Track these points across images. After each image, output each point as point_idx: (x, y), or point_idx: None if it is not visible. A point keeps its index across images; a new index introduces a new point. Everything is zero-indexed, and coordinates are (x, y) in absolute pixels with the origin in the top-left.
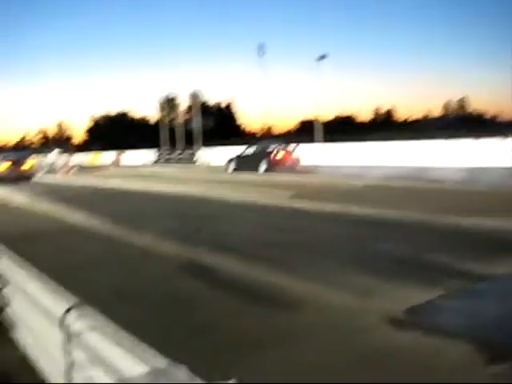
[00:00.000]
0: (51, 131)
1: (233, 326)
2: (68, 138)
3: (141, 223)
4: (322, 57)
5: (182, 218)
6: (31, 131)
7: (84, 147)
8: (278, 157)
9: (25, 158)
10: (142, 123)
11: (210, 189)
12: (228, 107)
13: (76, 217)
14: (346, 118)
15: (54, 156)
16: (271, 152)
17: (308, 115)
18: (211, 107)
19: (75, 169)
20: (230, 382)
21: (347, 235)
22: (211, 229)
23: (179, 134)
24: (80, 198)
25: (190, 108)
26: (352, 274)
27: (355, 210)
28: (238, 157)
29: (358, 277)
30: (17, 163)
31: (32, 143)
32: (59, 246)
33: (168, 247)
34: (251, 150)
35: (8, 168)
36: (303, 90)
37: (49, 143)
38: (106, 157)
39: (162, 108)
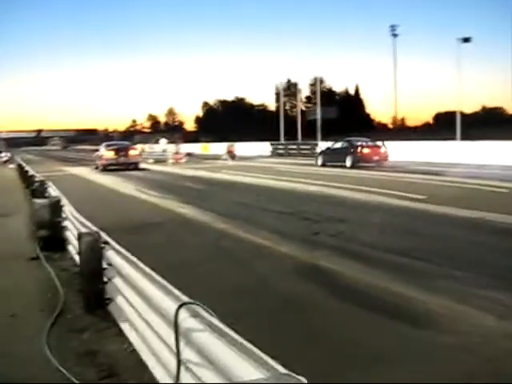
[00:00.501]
0: (162, 117)
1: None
2: (179, 125)
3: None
4: (466, 40)
5: (305, 219)
6: (141, 116)
7: (192, 137)
8: (365, 151)
9: (129, 145)
10: (259, 111)
11: (326, 186)
12: (356, 94)
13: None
14: (493, 110)
15: (164, 144)
16: (357, 146)
17: (447, 105)
18: (336, 94)
19: (186, 158)
20: None
21: (491, 245)
22: (336, 230)
23: (299, 123)
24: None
25: (311, 95)
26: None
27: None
28: (327, 149)
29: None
30: (122, 151)
31: (143, 128)
32: (170, 239)
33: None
34: (339, 144)
35: (114, 155)
36: (441, 76)
37: (159, 129)
38: (216, 148)
39: (280, 95)
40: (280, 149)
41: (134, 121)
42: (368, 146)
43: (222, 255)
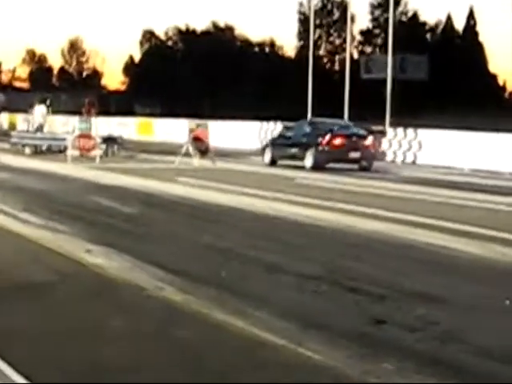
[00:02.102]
0: (55, 58)
1: None
2: (91, 77)
3: None
4: None
5: None
6: (9, 55)
7: (118, 103)
8: (336, 142)
9: None
10: (262, 55)
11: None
12: (470, 29)
13: None
14: None
15: (41, 115)
16: (324, 134)
17: None
18: (425, 30)
19: (102, 147)
20: None
21: None
22: (423, 318)
23: (347, 86)
24: None
25: (372, 28)
26: None
27: None
28: (279, 137)
29: None
30: None
31: (14, 78)
32: (73, 324)
33: None
34: (297, 129)
35: None
36: None
37: (47, 84)
38: (168, 128)
39: (310, 25)
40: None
41: None
42: (342, 136)
43: None
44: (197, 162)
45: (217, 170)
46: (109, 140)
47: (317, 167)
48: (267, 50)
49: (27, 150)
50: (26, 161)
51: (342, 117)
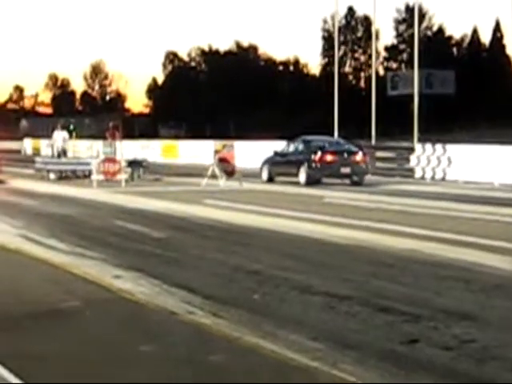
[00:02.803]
0: (77, 82)
1: None
2: (115, 101)
3: None
4: None
5: None
6: (35, 81)
7: (142, 126)
8: (328, 159)
9: None
10: (286, 74)
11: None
12: (497, 42)
13: None
14: None
15: (61, 140)
16: (316, 151)
17: None
18: (451, 44)
19: (128, 171)
20: None
21: None
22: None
23: (373, 103)
24: None
25: (397, 43)
26: None
27: None
28: (276, 155)
29: None
30: None
31: (38, 104)
32: (101, 353)
33: None
34: (292, 146)
35: None
36: None
37: (71, 109)
38: (193, 150)
39: (335, 42)
40: None
41: (20, 88)
42: (332, 152)
43: None
44: (223, 183)
45: (244, 191)
46: (134, 163)
47: (310, 183)
48: (291, 68)
49: (52, 176)
50: (51, 186)
51: (370, 134)
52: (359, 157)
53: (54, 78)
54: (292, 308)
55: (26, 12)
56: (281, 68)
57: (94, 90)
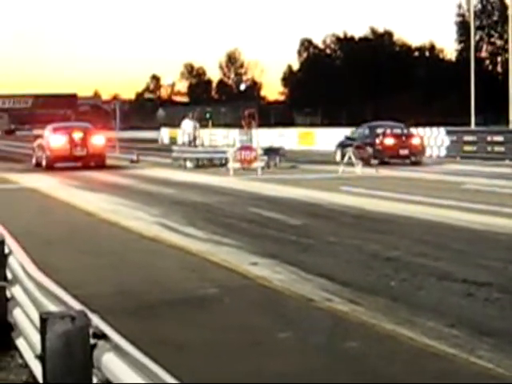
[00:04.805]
0: (212, 71)
1: None
2: (250, 89)
3: None
4: None
5: None
6: (171, 70)
7: (277, 114)
8: (388, 142)
9: (89, 128)
10: (422, 59)
11: None
12: None
13: None
14: None
15: (190, 127)
16: (377, 135)
17: None
18: None
19: (265, 159)
20: None
21: None
22: None
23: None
24: None
25: None
26: None
27: None
28: (346, 139)
29: None
30: (78, 137)
31: (174, 93)
32: (240, 338)
33: None
34: (358, 131)
35: (66, 145)
36: None
37: (206, 97)
38: (329, 138)
39: (470, 25)
40: (468, 143)
41: (156, 78)
42: (393, 135)
43: None
44: (360, 170)
45: (380, 177)
46: (270, 151)
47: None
48: (427, 53)
49: (189, 164)
50: (188, 175)
51: (507, 120)
52: (416, 140)
53: (189, 67)
54: (429, 295)
55: (162, 2)
56: (416, 54)
57: (229, 78)
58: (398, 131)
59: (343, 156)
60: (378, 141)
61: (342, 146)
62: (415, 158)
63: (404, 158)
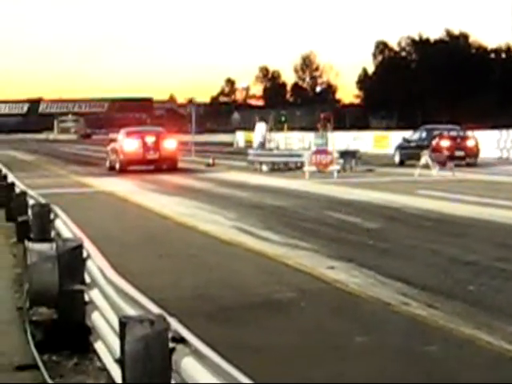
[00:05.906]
0: (287, 73)
1: None
2: (325, 92)
3: None
4: None
5: None
6: (246, 73)
7: (352, 117)
8: (444, 144)
9: (161, 132)
10: (501, 61)
11: None
12: None
13: None
14: None
15: (263, 130)
16: (433, 137)
17: None
18: None
19: (340, 162)
20: None
21: None
22: None
23: None
24: None
25: None
26: None
27: None
28: (405, 141)
29: None
30: (151, 141)
31: (249, 97)
32: (312, 342)
33: None
34: (417, 134)
35: (139, 149)
36: None
37: (280, 100)
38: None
39: None
40: None
41: (231, 81)
42: (449, 138)
43: None
44: (436, 173)
45: (457, 180)
46: (346, 154)
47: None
48: (503, 55)
49: (264, 168)
50: (264, 178)
51: None
52: (471, 142)
53: (264, 71)
54: (509, 299)
55: (237, 5)
56: (493, 55)
57: (304, 81)
58: (453, 133)
59: (401, 159)
60: (434, 143)
61: (401, 148)
62: (470, 159)
63: (459, 160)
